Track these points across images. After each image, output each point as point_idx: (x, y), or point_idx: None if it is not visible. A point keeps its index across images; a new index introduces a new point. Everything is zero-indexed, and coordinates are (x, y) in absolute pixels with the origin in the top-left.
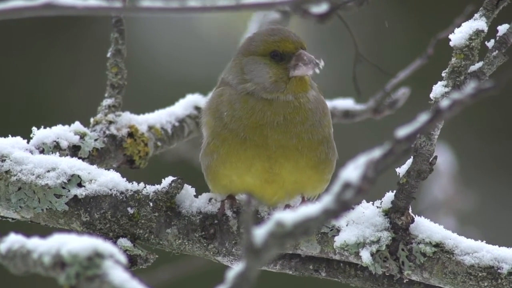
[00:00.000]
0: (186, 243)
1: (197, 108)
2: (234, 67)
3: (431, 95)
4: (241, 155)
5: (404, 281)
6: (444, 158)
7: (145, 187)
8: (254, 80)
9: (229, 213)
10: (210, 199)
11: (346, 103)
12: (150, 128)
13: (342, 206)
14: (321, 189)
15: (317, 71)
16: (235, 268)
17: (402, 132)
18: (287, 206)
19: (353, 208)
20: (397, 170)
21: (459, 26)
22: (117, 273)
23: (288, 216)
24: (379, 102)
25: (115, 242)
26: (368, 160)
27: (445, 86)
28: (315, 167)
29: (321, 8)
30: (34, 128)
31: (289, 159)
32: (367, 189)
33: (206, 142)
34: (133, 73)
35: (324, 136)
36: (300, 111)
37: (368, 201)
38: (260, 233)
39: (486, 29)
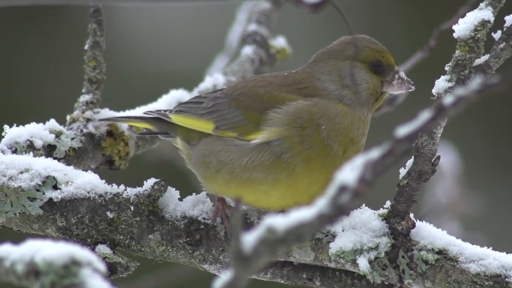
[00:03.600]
0: (170, 250)
1: None
2: (331, 72)
3: (434, 91)
4: (316, 175)
5: None
6: (447, 158)
7: (125, 190)
8: (352, 87)
9: (217, 218)
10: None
11: None
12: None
13: (338, 210)
14: None
15: (407, 92)
16: (223, 277)
17: (403, 130)
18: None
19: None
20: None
21: (463, 16)
22: (96, 282)
23: (280, 221)
24: None
25: (93, 249)
26: (366, 161)
27: (449, 80)
28: None
29: None
30: (6, 126)
31: None
32: (364, 192)
33: (270, 153)
34: (112, 67)
35: None
36: (367, 131)
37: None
38: (249, 239)
39: (492, 19)
